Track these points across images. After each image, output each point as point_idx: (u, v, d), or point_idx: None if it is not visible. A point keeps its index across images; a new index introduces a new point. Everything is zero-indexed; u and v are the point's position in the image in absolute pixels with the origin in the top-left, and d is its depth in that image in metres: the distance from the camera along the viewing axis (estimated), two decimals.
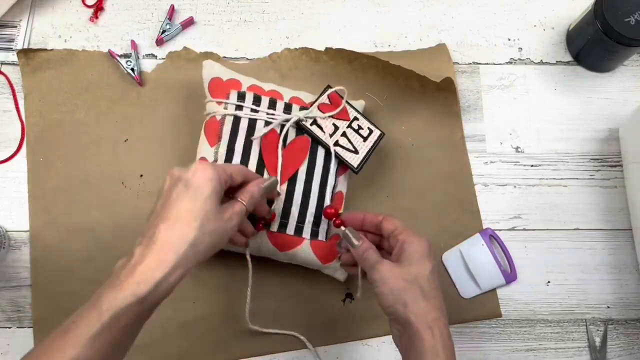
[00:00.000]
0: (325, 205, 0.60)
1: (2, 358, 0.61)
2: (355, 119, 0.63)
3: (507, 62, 0.74)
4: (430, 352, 0.45)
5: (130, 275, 0.40)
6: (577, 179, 0.70)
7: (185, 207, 0.43)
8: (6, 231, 0.65)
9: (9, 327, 0.62)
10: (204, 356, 0.62)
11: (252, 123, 0.61)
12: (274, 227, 0.59)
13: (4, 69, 0.70)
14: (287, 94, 0.64)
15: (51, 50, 0.70)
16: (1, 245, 0.62)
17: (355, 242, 0.52)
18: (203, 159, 0.61)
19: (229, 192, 0.50)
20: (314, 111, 0.62)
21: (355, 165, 0.62)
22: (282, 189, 0.59)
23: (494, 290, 0.66)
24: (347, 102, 0.63)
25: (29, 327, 0.62)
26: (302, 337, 0.62)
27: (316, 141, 0.62)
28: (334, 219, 0.57)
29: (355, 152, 0.62)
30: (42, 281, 0.63)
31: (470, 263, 0.65)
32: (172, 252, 0.41)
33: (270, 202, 0.58)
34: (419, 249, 0.49)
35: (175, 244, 0.42)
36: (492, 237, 0.66)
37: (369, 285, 0.51)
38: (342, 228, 0.54)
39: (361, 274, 0.55)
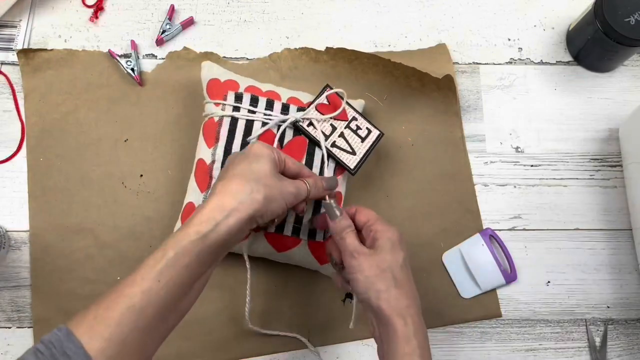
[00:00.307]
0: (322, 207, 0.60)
1: (2, 358, 0.61)
2: (354, 119, 0.63)
3: (507, 62, 0.74)
4: (402, 339, 0.45)
5: (192, 219, 0.44)
6: (577, 179, 0.70)
7: (244, 167, 0.47)
8: (6, 231, 0.65)
9: (9, 327, 0.62)
10: (204, 356, 0.62)
11: (249, 124, 0.61)
12: (271, 228, 0.59)
13: (4, 69, 0.70)
14: (285, 94, 0.64)
15: (51, 50, 0.70)
16: (1, 245, 0.62)
17: (337, 212, 0.52)
18: (201, 160, 0.61)
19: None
20: (311, 112, 0.62)
21: (352, 167, 0.62)
22: None
23: (494, 290, 0.66)
24: (346, 102, 0.63)
25: (29, 327, 0.62)
26: (302, 338, 0.62)
27: (313, 142, 0.62)
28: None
29: (353, 153, 0.62)
30: (42, 281, 0.63)
31: (470, 263, 0.65)
32: (231, 197, 0.45)
33: None
34: (392, 238, 0.50)
35: (234, 192, 0.45)
36: (492, 237, 0.66)
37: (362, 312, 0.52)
38: (326, 199, 0.54)
39: (356, 300, 0.55)
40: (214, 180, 0.59)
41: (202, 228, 0.43)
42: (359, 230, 0.52)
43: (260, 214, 0.46)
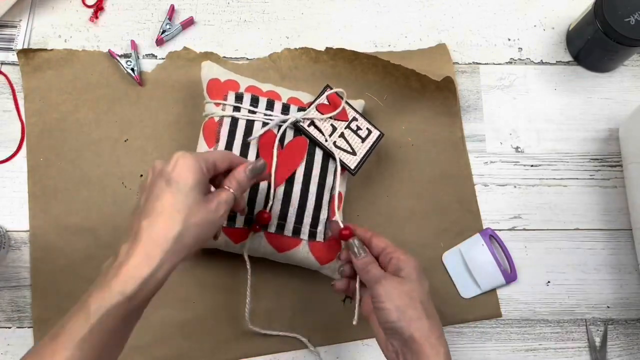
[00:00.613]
0: (321, 206, 0.60)
1: (2, 358, 0.61)
2: (354, 119, 0.63)
3: (507, 62, 0.74)
4: None
5: (116, 274, 0.40)
6: (577, 179, 0.70)
7: (168, 202, 0.42)
8: (6, 231, 0.65)
9: (9, 327, 0.62)
10: (204, 356, 0.62)
11: (249, 124, 0.61)
12: (272, 229, 0.59)
13: (4, 69, 0.70)
14: (285, 94, 0.64)
15: (51, 50, 0.70)
16: (1, 245, 0.62)
17: (362, 252, 0.52)
18: None
19: (214, 180, 0.49)
20: (311, 112, 0.62)
21: (353, 167, 0.62)
22: (280, 190, 0.59)
23: (494, 290, 0.66)
24: (346, 102, 0.63)
25: (29, 327, 0.62)
26: (302, 338, 0.62)
27: (313, 142, 0.62)
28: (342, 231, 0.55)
29: (353, 153, 0.62)
30: (42, 281, 0.63)
31: (470, 263, 0.65)
32: (158, 248, 0.40)
33: (266, 203, 0.58)
34: (417, 267, 0.50)
35: (161, 240, 0.41)
36: (492, 237, 0.66)
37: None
38: (350, 240, 0.54)
39: (359, 298, 0.55)
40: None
41: (128, 288, 0.39)
42: (375, 256, 0.53)
43: (192, 253, 0.43)
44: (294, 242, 0.59)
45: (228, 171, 0.49)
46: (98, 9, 0.73)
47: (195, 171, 0.43)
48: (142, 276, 0.40)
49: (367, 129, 0.63)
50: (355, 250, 0.52)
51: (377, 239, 0.53)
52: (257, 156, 0.60)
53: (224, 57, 0.72)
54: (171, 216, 0.41)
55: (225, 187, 0.47)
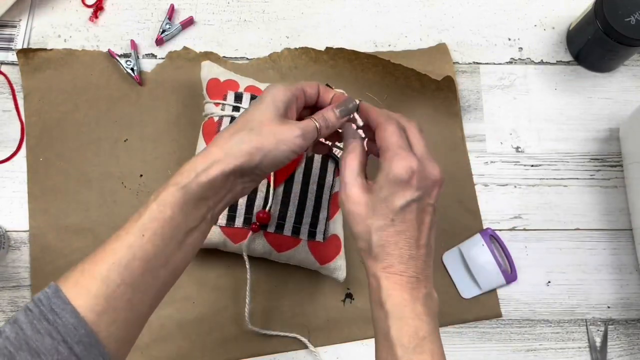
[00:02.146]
0: (321, 206, 0.60)
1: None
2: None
3: (507, 62, 0.74)
4: (376, 304, 0.42)
5: (179, 169, 0.41)
6: (577, 179, 0.70)
7: (245, 115, 0.43)
8: (6, 231, 0.65)
9: None
10: (204, 356, 0.62)
11: None
12: (271, 228, 0.59)
13: (4, 68, 0.70)
14: None
15: (51, 50, 0.70)
16: (1, 245, 0.62)
17: (349, 129, 0.46)
18: None
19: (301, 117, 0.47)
20: None
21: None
22: (279, 190, 0.59)
23: (494, 290, 0.66)
24: None
25: None
26: (302, 338, 0.62)
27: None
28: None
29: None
30: (42, 281, 0.63)
31: (470, 263, 0.65)
32: (217, 148, 0.42)
33: (265, 203, 0.58)
34: (398, 175, 0.41)
35: (221, 142, 0.42)
36: (492, 237, 0.66)
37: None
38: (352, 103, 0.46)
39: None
40: None
41: (183, 179, 0.40)
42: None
43: (252, 166, 0.41)
44: (293, 242, 0.59)
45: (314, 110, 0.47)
46: (98, 8, 0.73)
47: (282, 91, 0.44)
48: (195, 169, 0.41)
49: None
50: (348, 131, 0.46)
51: (379, 131, 0.44)
52: None
53: (224, 57, 0.72)
54: (239, 126, 0.42)
55: (313, 118, 0.45)
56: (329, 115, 0.45)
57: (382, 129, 0.43)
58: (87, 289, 0.37)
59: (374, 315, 0.42)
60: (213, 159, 0.41)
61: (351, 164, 0.44)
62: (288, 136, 0.42)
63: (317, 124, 0.44)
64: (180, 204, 0.40)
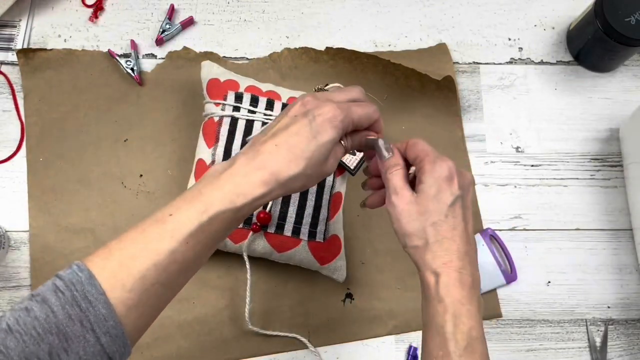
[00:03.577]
0: (321, 206, 0.60)
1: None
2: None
3: (507, 62, 0.74)
4: (433, 299, 0.42)
5: (233, 183, 0.41)
6: (577, 179, 0.70)
7: (300, 143, 0.43)
8: (6, 231, 0.65)
9: None
10: (204, 356, 0.62)
11: (249, 124, 0.61)
12: (271, 229, 0.59)
13: (4, 68, 0.70)
14: (285, 94, 0.64)
15: (51, 50, 0.70)
16: (1, 245, 0.62)
17: (385, 153, 0.46)
18: (201, 160, 0.61)
19: None
20: None
21: (352, 167, 0.62)
22: None
23: (494, 290, 0.66)
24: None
25: None
26: (302, 338, 0.62)
27: None
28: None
29: (352, 153, 0.62)
30: (42, 281, 0.62)
31: None
32: (273, 177, 0.42)
33: (266, 204, 0.58)
34: (439, 178, 0.43)
35: (277, 172, 0.42)
36: (492, 237, 0.66)
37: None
38: (374, 137, 0.48)
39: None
40: None
41: (239, 201, 0.41)
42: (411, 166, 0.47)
43: (290, 193, 0.45)
44: (293, 242, 0.59)
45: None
46: (98, 8, 0.73)
47: (337, 129, 0.43)
48: (253, 195, 0.41)
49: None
50: (381, 151, 0.46)
51: (410, 149, 0.46)
52: None
53: (224, 56, 0.72)
54: (296, 157, 0.42)
55: (342, 142, 0.46)
56: (360, 141, 0.47)
57: (414, 144, 0.46)
58: (122, 283, 0.37)
59: (429, 310, 0.42)
60: (270, 189, 0.42)
61: (397, 173, 0.45)
62: (325, 173, 0.45)
63: (346, 147, 0.46)
64: (229, 222, 0.42)
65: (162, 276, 0.39)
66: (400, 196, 0.44)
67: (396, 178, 0.45)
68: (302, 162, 0.42)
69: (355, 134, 0.47)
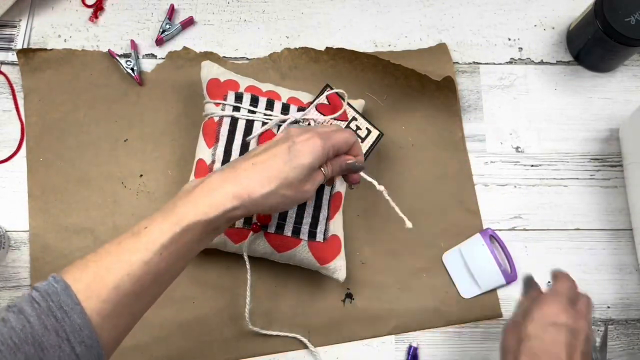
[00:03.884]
0: (321, 206, 0.60)
1: None
2: (354, 119, 0.63)
3: (507, 62, 0.74)
4: None
5: (206, 195, 0.43)
6: (577, 179, 0.70)
7: (276, 164, 0.45)
8: (6, 231, 0.65)
9: None
10: (204, 356, 0.62)
11: (249, 124, 0.61)
12: (272, 229, 0.59)
13: (4, 68, 0.70)
14: (285, 94, 0.64)
15: (51, 50, 0.70)
16: (1, 245, 0.62)
17: (368, 179, 0.52)
18: (201, 160, 0.61)
19: None
20: (311, 112, 0.62)
21: None
22: None
23: (494, 290, 0.66)
24: (349, 104, 0.63)
25: None
26: (302, 338, 0.62)
27: None
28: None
29: None
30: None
31: (470, 263, 0.65)
32: (245, 192, 0.44)
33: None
34: (545, 318, 0.47)
35: (250, 189, 0.44)
36: (492, 237, 0.66)
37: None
38: (352, 160, 0.51)
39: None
40: None
41: (212, 213, 0.43)
42: None
43: (260, 212, 0.47)
44: (293, 242, 0.59)
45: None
46: (98, 8, 0.73)
47: (317, 155, 0.46)
48: (225, 208, 0.43)
49: (367, 128, 0.63)
50: (366, 178, 0.51)
51: (555, 283, 0.51)
52: None
53: (224, 57, 0.72)
54: (270, 178, 0.45)
55: (322, 169, 0.49)
56: (341, 164, 0.50)
57: (556, 281, 0.51)
58: (97, 293, 0.38)
59: None
60: (241, 203, 0.44)
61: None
62: (301, 197, 0.47)
63: (325, 174, 0.49)
64: (201, 234, 0.43)
65: (136, 286, 0.40)
66: (514, 323, 0.49)
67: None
68: (275, 181, 0.45)
69: (334, 160, 0.50)
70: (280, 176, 0.45)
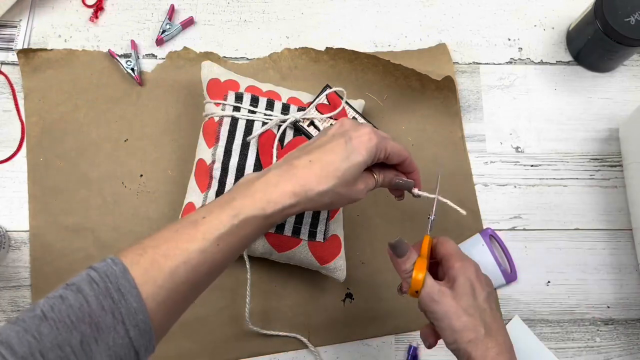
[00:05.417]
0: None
1: None
2: (354, 119, 0.63)
3: (507, 62, 0.74)
4: None
5: (264, 191, 0.44)
6: (577, 179, 0.70)
7: (333, 161, 0.45)
8: (6, 231, 0.65)
9: None
10: (204, 356, 0.62)
11: (249, 124, 0.61)
12: (272, 229, 0.59)
13: (4, 69, 0.70)
14: (285, 94, 0.64)
15: (51, 50, 0.70)
16: (1, 245, 0.62)
17: (416, 191, 0.52)
18: (202, 160, 0.61)
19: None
20: (311, 112, 0.62)
21: None
22: None
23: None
24: (346, 102, 0.63)
25: None
26: (302, 338, 0.62)
27: None
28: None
29: None
30: (42, 281, 0.63)
31: None
32: (303, 190, 0.44)
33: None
34: (471, 276, 0.47)
35: (307, 187, 0.44)
36: (492, 237, 0.66)
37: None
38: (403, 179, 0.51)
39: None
40: (214, 181, 0.59)
41: (270, 209, 0.43)
42: (438, 263, 0.50)
43: (319, 209, 0.48)
44: (293, 242, 0.59)
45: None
46: (98, 8, 0.73)
47: (370, 153, 0.46)
48: (283, 205, 0.43)
49: None
50: (399, 248, 0.48)
51: (441, 246, 0.49)
52: (257, 156, 0.60)
53: (224, 57, 0.72)
54: (327, 175, 0.45)
55: (374, 175, 0.49)
56: (389, 179, 0.51)
57: (443, 242, 0.49)
58: (154, 279, 0.38)
59: None
60: (298, 200, 0.44)
61: (430, 279, 0.47)
62: (353, 196, 0.47)
63: (376, 180, 0.49)
64: (258, 227, 0.44)
65: (190, 275, 0.40)
66: (444, 295, 0.46)
67: (430, 281, 0.47)
68: (332, 180, 0.45)
69: (388, 171, 0.50)
70: (337, 174, 0.45)
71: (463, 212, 0.51)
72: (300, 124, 0.61)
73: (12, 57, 0.70)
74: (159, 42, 0.72)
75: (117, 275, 0.37)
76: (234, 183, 0.58)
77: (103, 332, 0.35)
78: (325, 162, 0.45)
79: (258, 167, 0.59)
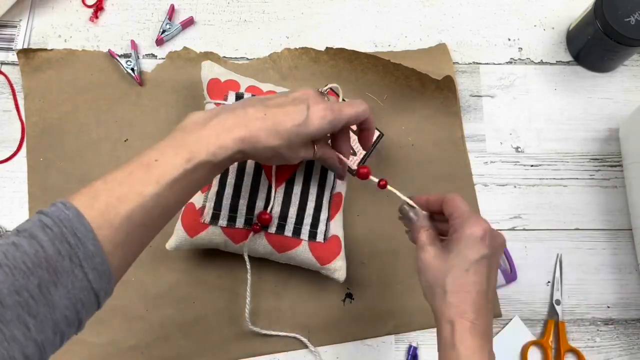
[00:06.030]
0: (321, 206, 0.60)
1: None
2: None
3: (507, 62, 0.74)
4: (447, 346, 0.44)
5: (217, 135, 0.44)
6: (577, 179, 0.70)
7: (286, 123, 0.46)
8: (6, 231, 0.65)
9: None
10: (204, 356, 0.62)
11: None
12: (272, 229, 0.59)
13: (4, 69, 0.70)
14: None
15: (51, 50, 0.70)
16: None
17: (412, 215, 0.50)
18: None
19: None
20: None
21: (353, 167, 0.62)
22: (280, 191, 0.59)
23: None
24: (344, 100, 0.63)
25: None
26: (302, 338, 0.62)
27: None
28: (379, 180, 0.53)
29: (353, 153, 0.62)
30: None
31: None
32: (252, 141, 0.45)
33: (266, 204, 0.58)
34: (472, 235, 0.45)
35: (256, 138, 0.45)
36: None
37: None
38: (406, 205, 0.51)
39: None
40: (214, 180, 0.59)
41: (220, 155, 0.44)
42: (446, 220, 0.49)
43: (255, 161, 0.50)
44: (294, 243, 0.59)
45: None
46: (98, 8, 0.73)
47: (322, 128, 0.47)
48: (233, 150, 0.44)
49: None
50: (407, 214, 0.50)
51: (447, 204, 0.48)
52: None
53: (224, 57, 0.72)
54: (277, 134, 0.46)
55: (315, 148, 0.51)
56: (328, 154, 0.53)
57: (451, 199, 0.48)
58: (110, 222, 0.39)
59: (443, 357, 0.45)
60: (245, 148, 0.45)
61: (424, 233, 0.49)
62: (296, 160, 0.49)
63: (315, 151, 0.51)
64: (210, 172, 0.45)
65: (145, 218, 0.41)
66: (426, 251, 0.47)
67: (423, 237, 0.48)
68: (280, 140, 0.46)
69: (329, 151, 0.52)
70: (285, 136, 0.46)
71: (412, 203, 0.51)
72: None
73: (12, 57, 0.70)
74: (159, 42, 0.72)
75: (71, 219, 0.37)
76: (234, 183, 0.58)
77: (61, 276, 0.36)
78: (279, 120, 0.46)
79: (258, 167, 0.59)
